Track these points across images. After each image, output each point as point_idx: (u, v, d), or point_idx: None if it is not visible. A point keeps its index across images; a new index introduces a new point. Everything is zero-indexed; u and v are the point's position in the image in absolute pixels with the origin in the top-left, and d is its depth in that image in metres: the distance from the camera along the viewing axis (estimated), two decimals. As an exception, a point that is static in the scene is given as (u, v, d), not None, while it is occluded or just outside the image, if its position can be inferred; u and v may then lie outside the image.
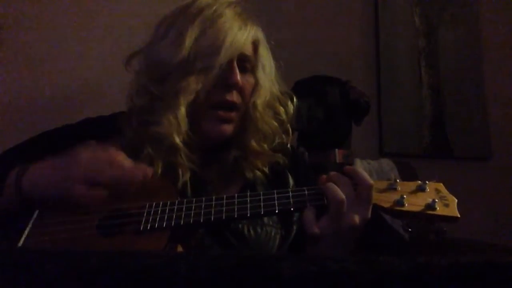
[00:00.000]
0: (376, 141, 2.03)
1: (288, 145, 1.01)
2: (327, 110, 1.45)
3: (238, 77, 0.86)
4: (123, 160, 0.75)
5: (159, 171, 0.82)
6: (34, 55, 1.49)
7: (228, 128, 0.89)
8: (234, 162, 0.91)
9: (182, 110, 0.83)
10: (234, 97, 0.87)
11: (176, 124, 0.83)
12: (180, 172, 0.84)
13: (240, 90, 0.88)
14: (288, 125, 0.95)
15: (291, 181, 0.96)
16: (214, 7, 0.88)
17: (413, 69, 2.14)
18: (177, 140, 0.83)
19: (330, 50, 1.98)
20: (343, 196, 0.72)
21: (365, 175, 0.75)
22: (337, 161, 1.44)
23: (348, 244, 0.75)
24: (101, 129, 0.90)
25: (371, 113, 1.71)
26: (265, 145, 0.93)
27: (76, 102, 1.54)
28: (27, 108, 1.47)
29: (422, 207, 0.72)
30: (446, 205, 0.73)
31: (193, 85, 0.83)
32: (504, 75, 2.28)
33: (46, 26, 1.52)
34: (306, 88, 1.47)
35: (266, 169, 0.92)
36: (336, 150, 1.45)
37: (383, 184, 0.77)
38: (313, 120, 1.43)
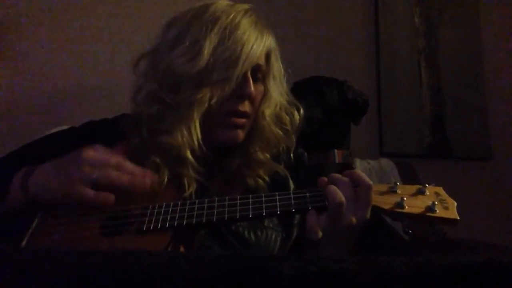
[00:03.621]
0: (376, 141, 2.03)
1: (284, 149, 1.00)
2: (326, 111, 1.44)
3: (252, 88, 0.85)
4: (131, 165, 0.74)
5: (165, 180, 0.81)
6: (34, 55, 1.49)
7: (241, 134, 0.88)
8: (236, 169, 0.90)
9: (197, 123, 0.82)
10: (246, 107, 0.87)
11: (189, 136, 0.81)
12: (186, 183, 0.83)
13: (252, 100, 0.88)
14: (293, 135, 0.95)
15: (292, 185, 0.95)
16: (231, 16, 0.85)
17: (413, 69, 2.14)
18: (188, 153, 0.82)
19: (330, 50, 1.98)
20: (343, 199, 0.72)
21: (365, 176, 0.75)
22: (337, 161, 1.43)
23: (347, 243, 0.75)
24: (105, 133, 0.89)
25: (371, 113, 1.71)
26: (268, 154, 0.92)
27: (77, 102, 1.54)
28: (27, 108, 1.47)
29: (422, 210, 0.73)
30: (446, 208, 0.74)
31: (208, 96, 0.82)
32: (504, 75, 2.28)
33: (46, 26, 1.52)
34: (304, 89, 1.47)
35: (267, 178, 0.91)
36: (335, 150, 1.45)
37: (384, 187, 0.78)
38: (311, 120, 1.42)
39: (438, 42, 2.19)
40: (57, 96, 1.51)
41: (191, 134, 0.82)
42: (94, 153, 0.73)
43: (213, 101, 0.82)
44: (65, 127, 1.14)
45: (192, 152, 0.82)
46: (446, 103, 2.16)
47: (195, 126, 0.82)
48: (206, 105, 0.82)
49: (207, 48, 0.82)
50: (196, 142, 0.82)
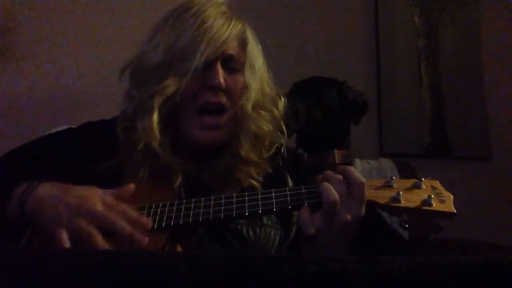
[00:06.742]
0: (376, 141, 2.03)
1: (284, 148, 0.98)
2: (325, 111, 1.44)
3: (221, 78, 0.83)
4: (135, 214, 0.73)
5: (146, 176, 0.81)
6: (34, 56, 1.49)
7: (216, 135, 0.86)
8: (225, 171, 0.88)
9: (155, 114, 0.81)
10: (221, 98, 0.84)
11: (150, 128, 0.81)
12: (172, 176, 0.83)
13: (227, 91, 0.85)
14: (283, 125, 0.93)
15: (290, 183, 0.95)
16: (199, 7, 0.85)
17: (413, 69, 2.14)
18: (154, 144, 0.81)
19: (330, 50, 1.98)
20: (337, 196, 0.71)
21: (357, 173, 0.74)
22: (336, 161, 1.43)
23: (343, 242, 0.75)
24: (103, 134, 0.90)
25: (371, 113, 1.71)
26: (261, 152, 0.89)
27: (76, 102, 1.54)
28: (27, 108, 1.47)
29: (418, 203, 0.73)
30: (442, 201, 0.73)
31: (170, 88, 0.81)
32: (504, 75, 2.28)
33: (47, 27, 1.52)
34: (304, 89, 1.47)
35: (260, 178, 0.88)
36: (335, 150, 1.45)
37: (380, 182, 0.77)
38: (311, 121, 1.42)
39: (438, 42, 2.19)
40: (57, 96, 1.51)
41: (151, 126, 0.81)
42: (106, 196, 0.73)
43: (178, 91, 0.81)
44: (65, 127, 1.14)
45: (160, 144, 0.82)
46: (446, 103, 2.16)
47: (154, 117, 0.81)
48: (166, 96, 0.81)
49: (165, 41, 0.83)
50: (156, 133, 0.81)
